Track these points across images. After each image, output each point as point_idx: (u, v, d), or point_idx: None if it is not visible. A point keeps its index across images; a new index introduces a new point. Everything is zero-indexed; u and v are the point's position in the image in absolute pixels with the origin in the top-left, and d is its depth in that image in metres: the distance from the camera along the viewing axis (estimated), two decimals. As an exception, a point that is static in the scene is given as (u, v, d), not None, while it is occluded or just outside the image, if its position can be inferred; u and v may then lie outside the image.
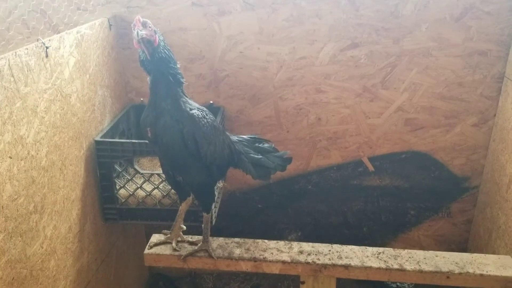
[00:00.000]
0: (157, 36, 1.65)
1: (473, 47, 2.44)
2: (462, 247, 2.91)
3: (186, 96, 1.76)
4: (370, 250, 2.06)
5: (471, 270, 1.91)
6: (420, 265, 1.95)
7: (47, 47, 1.76)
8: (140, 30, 1.59)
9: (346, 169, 2.82)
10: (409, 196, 2.85)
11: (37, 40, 1.74)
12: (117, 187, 2.28)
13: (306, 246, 2.08)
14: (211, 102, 2.63)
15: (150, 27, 1.62)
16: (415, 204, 2.87)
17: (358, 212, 2.93)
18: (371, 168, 2.80)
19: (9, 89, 1.53)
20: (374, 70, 2.54)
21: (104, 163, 2.22)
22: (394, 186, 2.83)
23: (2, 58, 1.50)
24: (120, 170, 2.30)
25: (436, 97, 2.57)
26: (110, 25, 2.39)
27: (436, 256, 2.02)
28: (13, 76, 1.55)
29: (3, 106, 1.50)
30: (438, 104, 2.59)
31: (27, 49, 1.64)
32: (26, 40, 2.35)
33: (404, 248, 2.13)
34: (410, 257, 2.01)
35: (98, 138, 2.20)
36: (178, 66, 1.73)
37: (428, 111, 2.61)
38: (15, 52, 1.58)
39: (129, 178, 2.28)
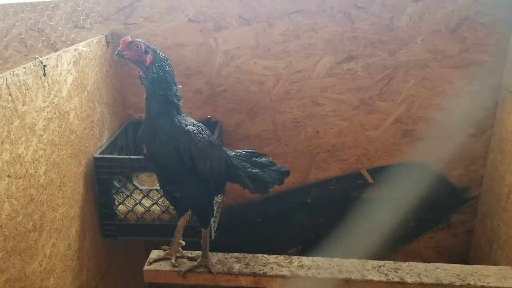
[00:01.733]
0: (149, 56, 1.68)
1: (469, 58, 2.46)
2: (463, 258, 2.90)
3: (182, 114, 1.77)
4: (371, 263, 2.06)
5: (472, 282, 1.90)
6: (421, 278, 1.94)
7: (44, 66, 1.78)
8: (122, 51, 1.65)
9: (345, 181, 2.82)
10: (409, 207, 2.83)
11: (35, 59, 1.75)
12: (116, 203, 2.28)
13: (306, 260, 2.07)
14: (209, 116, 2.64)
15: (137, 48, 1.67)
16: (415, 216, 2.86)
17: (358, 224, 2.91)
18: (370, 180, 2.80)
19: (6, 108, 1.54)
20: (371, 82, 2.55)
21: (103, 179, 2.22)
22: (393, 198, 2.83)
23: (0, 77, 1.51)
24: (119, 186, 2.31)
25: (433, 108, 2.58)
26: (107, 42, 2.41)
27: (437, 268, 2.01)
28: (11, 95, 1.56)
29: (1, 125, 1.51)
30: (435, 115, 2.59)
31: (24, 68, 1.66)
32: (24, 59, 2.36)
33: (405, 260, 2.12)
34: (410, 270, 2.00)
35: (97, 155, 2.21)
36: (177, 87, 1.75)
37: (426, 122, 2.62)
38: (13, 71, 1.59)
39: (128, 194, 2.28)
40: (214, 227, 2.32)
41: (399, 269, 2.00)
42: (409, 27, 2.42)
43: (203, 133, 1.77)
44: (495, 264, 2.44)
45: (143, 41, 1.71)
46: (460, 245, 2.89)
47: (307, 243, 2.99)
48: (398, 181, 2.78)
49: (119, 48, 1.69)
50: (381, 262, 2.05)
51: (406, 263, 2.05)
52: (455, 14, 2.38)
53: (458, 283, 1.90)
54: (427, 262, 2.06)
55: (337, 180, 2.82)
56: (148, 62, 1.69)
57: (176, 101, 1.74)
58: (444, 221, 2.85)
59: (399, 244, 2.95)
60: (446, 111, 2.58)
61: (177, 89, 1.75)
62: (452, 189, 2.75)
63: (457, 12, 2.38)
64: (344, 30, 2.45)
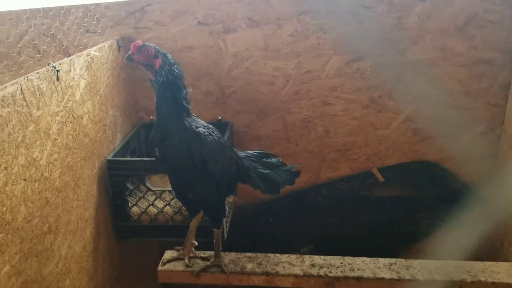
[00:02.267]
0: (158, 60, 1.71)
1: (478, 56, 2.45)
2: (475, 255, 2.88)
3: (192, 116, 1.79)
4: (382, 261, 2.06)
5: (483, 279, 1.90)
6: (432, 275, 1.94)
7: (58, 71, 1.81)
8: (132, 54, 1.70)
9: (356, 180, 2.82)
10: (420, 206, 2.84)
11: (48, 64, 1.79)
12: (130, 204, 2.31)
13: (318, 259, 2.09)
14: (219, 118, 2.67)
15: (148, 52, 1.71)
16: (426, 214, 2.86)
17: (369, 223, 2.92)
18: (381, 179, 2.80)
19: (21, 113, 1.58)
20: (380, 82, 2.56)
21: (116, 181, 2.26)
22: (405, 197, 2.83)
23: (14, 83, 1.55)
24: (132, 188, 2.34)
25: (443, 107, 2.57)
26: (119, 47, 2.45)
27: (448, 265, 2.01)
28: (25, 100, 1.60)
29: (16, 130, 1.55)
30: (445, 113, 2.59)
31: (38, 73, 1.69)
32: (37, 64, 2.41)
33: (417, 258, 2.12)
34: (422, 267, 2.00)
35: (110, 157, 2.24)
36: (186, 90, 1.77)
37: (435, 121, 2.61)
38: (27, 77, 1.63)
39: (141, 195, 2.31)
40: (226, 227, 2.34)
41: (411, 266, 2.01)
42: (418, 26, 2.43)
43: (214, 134, 1.79)
44: (506, 261, 2.43)
45: (153, 45, 1.74)
46: (471, 243, 2.87)
47: (319, 242, 3.00)
48: (408, 180, 2.79)
49: (129, 52, 1.72)
50: (393, 260, 2.05)
51: (418, 260, 2.05)
52: (463, 12, 2.38)
53: (469, 280, 1.90)
54: (439, 260, 2.06)
55: (348, 179, 2.83)
56: (158, 66, 1.72)
57: (186, 104, 1.76)
58: (455, 219, 2.84)
59: (411, 242, 2.95)
60: (456, 109, 2.57)
61: (187, 92, 1.77)
62: (463, 187, 2.75)
63: (465, 10, 2.37)
64: (352, 30, 2.46)
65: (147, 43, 1.74)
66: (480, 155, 2.65)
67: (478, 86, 2.50)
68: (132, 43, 1.72)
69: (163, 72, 1.71)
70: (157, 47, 1.75)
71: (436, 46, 2.45)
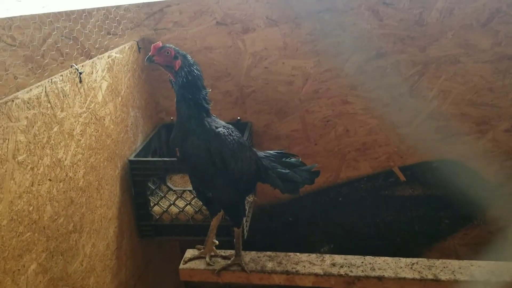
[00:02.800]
0: (178, 61, 1.73)
1: (502, 51, 2.41)
2: (499, 255, 2.84)
3: (212, 116, 1.81)
4: (404, 261, 2.05)
5: (508, 279, 1.87)
6: (455, 275, 1.92)
7: (80, 73, 1.84)
8: (153, 56, 1.73)
9: (376, 179, 2.80)
10: (442, 205, 2.80)
11: (71, 66, 1.82)
12: (151, 204, 2.34)
13: (339, 258, 2.08)
14: (239, 118, 2.68)
15: (167, 53, 1.73)
16: (449, 213, 2.82)
17: (391, 222, 2.90)
18: (402, 178, 2.77)
19: (46, 115, 1.61)
20: (401, 79, 2.53)
21: (138, 181, 2.29)
22: (426, 196, 2.80)
23: (39, 85, 1.59)
24: (153, 188, 2.37)
25: (466, 104, 2.54)
26: (139, 48, 2.48)
27: (472, 265, 1.98)
28: (49, 102, 1.64)
29: (42, 131, 1.58)
30: (468, 110, 2.55)
31: (61, 75, 1.73)
32: (60, 66, 2.46)
33: (439, 258, 2.10)
34: (444, 267, 1.98)
35: (132, 158, 2.28)
36: (206, 91, 1.79)
37: (458, 118, 2.58)
38: (51, 79, 1.66)
39: (162, 195, 2.33)
40: (246, 226, 2.35)
41: (433, 266, 1.99)
42: (439, 22, 2.39)
43: (233, 134, 1.80)
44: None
45: (173, 46, 1.76)
46: (496, 242, 2.83)
47: (339, 241, 2.99)
48: (431, 179, 2.75)
49: (149, 54, 1.75)
50: (415, 260, 2.04)
51: (440, 260, 2.03)
52: (486, 7, 2.34)
53: (493, 280, 1.87)
54: (462, 259, 2.04)
55: (368, 178, 2.81)
56: (177, 67, 1.74)
57: (206, 105, 1.78)
58: (479, 218, 2.80)
59: (433, 242, 2.92)
60: (479, 106, 2.53)
61: (206, 92, 1.79)
62: (487, 185, 2.70)
63: (489, 5, 2.33)
64: (372, 28, 2.44)
65: (167, 45, 1.76)
66: (505, 153, 2.61)
67: (503, 82, 2.46)
68: (152, 45, 1.74)
69: (182, 73, 1.73)
70: (177, 48, 1.77)
71: (458, 42, 2.42)
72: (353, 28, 2.46)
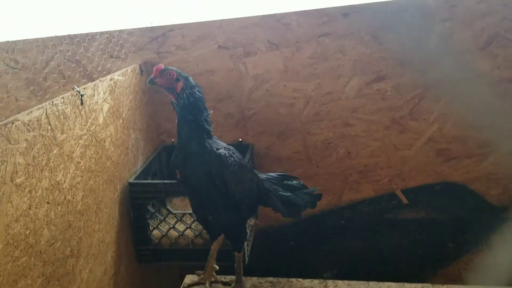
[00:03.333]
0: (180, 84, 1.73)
1: (501, 75, 2.41)
2: (505, 280, 2.79)
3: (213, 137, 1.80)
4: (408, 286, 2.01)
5: (515, 305, 1.83)
6: (460, 301, 1.88)
7: (82, 95, 1.85)
8: (155, 78, 1.74)
9: (379, 202, 2.77)
10: (446, 229, 2.76)
11: (73, 89, 1.83)
12: (151, 228, 2.32)
13: (342, 284, 2.05)
14: (240, 140, 2.67)
15: (169, 75, 1.74)
16: (453, 237, 2.78)
17: (394, 247, 2.86)
18: (405, 201, 2.75)
19: (46, 137, 1.60)
20: (401, 102, 2.54)
21: (138, 204, 2.27)
22: (430, 219, 2.76)
23: (39, 107, 1.59)
24: (153, 211, 2.34)
25: (467, 127, 2.53)
26: (141, 71, 2.49)
27: (477, 291, 1.94)
28: (50, 124, 1.63)
29: (41, 154, 1.57)
30: (469, 133, 2.54)
31: (63, 98, 1.73)
32: (62, 89, 2.47)
33: (444, 283, 2.06)
34: (449, 293, 1.94)
35: (131, 180, 2.26)
36: (207, 112, 1.78)
37: (460, 141, 2.57)
38: (52, 102, 1.66)
39: (161, 218, 2.31)
40: (247, 251, 2.32)
41: (438, 292, 1.95)
42: (438, 46, 2.41)
43: (234, 156, 1.79)
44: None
45: (175, 69, 1.77)
46: (502, 267, 2.78)
47: (343, 266, 2.94)
48: (433, 202, 2.72)
49: (152, 76, 1.75)
50: (419, 285, 2.00)
51: (445, 285, 1.99)
52: (484, 32, 2.35)
53: (500, 307, 1.83)
54: (467, 285, 1.99)
55: (371, 201, 2.78)
56: (179, 89, 1.74)
57: (207, 126, 1.77)
58: (483, 242, 2.76)
59: (438, 267, 2.87)
60: (481, 129, 2.52)
61: (208, 114, 1.78)
62: (491, 209, 2.67)
63: (487, 30, 2.35)
64: (372, 51, 2.46)
65: (169, 67, 1.76)
66: (508, 176, 2.59)
67: (502, 105, 2.46)
68: (155, 67, 1.75)
69: (184, 95, 1.73)
70: (179, 71, 1.77)
71: (458, 66, 2.42)
72: (353, 52, 2.47)
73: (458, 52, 2.40)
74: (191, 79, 1.78)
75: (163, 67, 1.75)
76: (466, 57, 2.40)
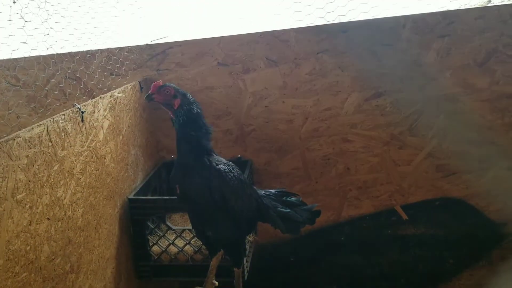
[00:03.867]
0: (177, 100, 1.75)
1: (500, 90, 2.43)
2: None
3: (212, 153, 1.81)
4: (408, 302, 2.00)
5: (516, 322, 1.82)
6: (461, 317, 1.86)
7: (82, 112, 1.86)
8: (152, 94, 1.76)
9: (379, 218, 2.77)
10: (446, 244, 2.76)
11: (73, 106, 1.84)
12: (150, 243, 2.31)
13: (341, 299, 2.03)
14: (239, 156, 2.68)
15: (167, 92, 1.76)
16: (454, 253, 2.77)
17: (395, 262, 2.85)
18: (404, 216, 2.74)
19: (47, 154, 1.61)
20: (400, 118, 2.55)
21: (138, 220, 2.27)
22: (430, 235, 2.76)
23: (40, 124, 1.60)
24: (152, 227, 2.34)
25: (466, 142, 2.54)
26: (141, 88, 2.51)
27: (478, 307, 1.93)
28: (51, 141, 1.64)
29: (42, 170, 1.58)
30: (469, 149, 2.55)
31: (63, 114, 1.74)
32: (63, 106, 2.49)
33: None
34: (450, 309, 1.93)
35: (131, 196, 2.26)
36: (206, 128, 1.79)
37: (459, 156, 2.58)
38: (53, 118, 1.67)
39: (161, 234, 2.30)
40: (247, 266, 2.31)
41: (439, 308, 1.93)
42: (437, 62, 2.43)
43: (234, 171, 1.80)
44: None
45: (173, 85, 1.78)
46: (503, 283, 2.76)
47: (342, 282, 2.92)
48: (433, 217, 2.72)
49: (149, 92, 1.77)
50: (419, 302, 1.99)
51: (446, 302, 1.98)
52: (482, 48, 2.38)
53: (501, 323, 1.82)
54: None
55: (370, 217, 2.78)
56: (177, 105, 1.76)
57: (206, 142, 1.78)
58: (484, 258, 2.75)
59: (438, 283, 2.85)
60: (480, 145, 2.54)
61: (207, 130, 1.79)
62: (491, 225, 2.67)
63: (485, 46, 2.37)
64: (371, 68, 2.48)
65: (168, 83, 1.78)
66: (508, 191, 2.59)
67: (502, 120, 2.47)
68: (153, 83, 1.77)
69: (182, 111, 1.75)
70: (177, 87, 1.79)
71: (456, 81, 2.45)
72: (351, 68, 2.50)
73: (456, 67, 2.43)
74: (189, 95, 1.80)
75: (161, 83, 1.77)
76: (465, 73, 2.43)
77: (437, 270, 2.82)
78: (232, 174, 1.77)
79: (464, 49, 2.40)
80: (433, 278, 2.84)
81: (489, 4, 2.40)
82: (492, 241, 2.70)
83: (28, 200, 1.50)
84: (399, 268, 2.85)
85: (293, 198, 2.08)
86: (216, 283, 2.08)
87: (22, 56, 2.50)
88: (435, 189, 2.66)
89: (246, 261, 2.29)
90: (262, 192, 2.02)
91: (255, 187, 2.00)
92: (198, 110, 1.78)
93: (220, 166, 1.76)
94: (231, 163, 1.84)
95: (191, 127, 1.75)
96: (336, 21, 2.46)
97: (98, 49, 2.58)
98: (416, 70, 2.46)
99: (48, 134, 1.63)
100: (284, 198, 2.06)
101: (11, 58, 2.57)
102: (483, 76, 2.43)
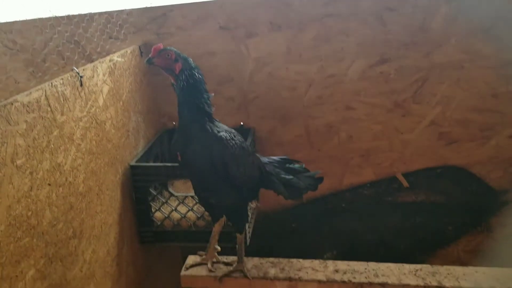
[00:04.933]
0: (178, 65, 1.70)
1: (506, 58, 2.39)
2: (504, 262, 2.80)
3: (214, 120, 1.78)
4: (407, 267, 2.01)
5: (514, 287, 1.84)
6: (459, 282, 1.88)
7: (81, 77, 1.83)
8: (153, 58, 1.70)
9: (380, 186, 2.78)
10: (446, 211, 2.77)
11: (72, 70, 1.81)
12: (153, 210, 2.32)
13: (342, 264, 2.05)
14: (242, 123, 2.66)
15: (168, 56, 1.70)
16: (453, 220, 2.79)
17: (394, 229, 2.87)
18: (405, 184, 2.75)
19: (46, 119, 1.59)
20: (404, 85, 2.52)
21: (140, 187, 2.26)
22: (430, 202, 2.77)
23: (39, 89, 1.57)
24: (155, 194, 2.34)
25: (470, 110, 2.52)
26: (141, 52, 2.46)
27: (476, 272, 1.95)
28: (50, 106, 1.62)
29: (41, 135, 1.56)
30: (472, 116, 2.53)
31: (62, 79, 1.71)
32: (62, 70, 2.45)
33: (443, 264, 2.07)
34: (448, 274, 1.94)
35: (133, 163, 2.25)
36: (208, 95, 1.75)
37: (462, 124, 2.56)
38: (51, 83, 1.64)
39: (164, 201, 2.31)
40: (249, 232, 2.33)
41: (437, 273, 1.95)
42: (443, 28, 2.38)
43: (236, 139, 1.77)
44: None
45: (174, 49, 1.73)
46: (501, 249, 2.79)
47: (343, 248, 2.96)
48: (434, 185, 2.73)
49: (150, 55, 1.72)
50: (418, 266, 2.00)
51: (444, 267, 1.99)
52: (489, 13, 2.32)
53: (498, 287, 1.84)
54: (466, 266, 2.01)
55: (371, 184, 2.78)
56: (178, 70, 1.71)
57: (208, 109, 1.74)
58: (483, 224, 2.77)
59: (437, 248, 2.89)
60: (483, 113, 2.51)
61: (208, 96, 1.75)
62: (491, 192, 2.68)
63: (492, 11, 2.32)
64: (376, 33, 2.43)
65: (168, 47, 1.73)
66: (509, 159, 2.58)
67: (506, 88, 2.44)
68: (153, 47, 1.71)
69: (183, 77, 1.70)
70: (178, 51, 1.74)
71: (462, 48, 2.40)
72: (356, 34, 2.44)
73: (462, 34, 2.37)
74: (190, 60, 1.75)
75: (161, 46, 1.72)
76: (471, 39, 2.38)
77: (436, 237, 2.85)
78: (233, 142, 1.75)
79: (471, 14, 2.34)
80: (432, 244, 2.87)
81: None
82: (492, 208, 2.72)
83: (28, 165, 1.49)
84: (398, 235, 2.88)
85: (296, 165, 2.07)
86: (219, 248, 2.10)
87: (18, 19, 2.45)
88: (436, 157, 2.65)
89: (248, 227, 2.31)
90: (265, 159, 2.01)
91: (258, 155, 1.98)
92: (200, 76, 1.74)
93: (221, 133, 1.74)
94: (233, 131, 1.82)
95: (192, 92, 1.71)
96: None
97: (96, 12, 2.52)
98: (421, 36, 2.41)
99: (47, 98, 1.60)
100: (287, 165, 2.05)
101: (8, 21, 2.51)
102: (489, 42, 2.38)
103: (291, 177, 1.99)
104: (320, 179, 2.06)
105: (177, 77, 1.72)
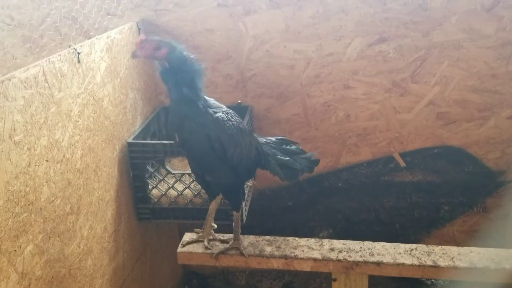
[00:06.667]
0: (162, 51, 1.66)
1: (506, 37, 2.37)
2: (499, 243, 2.83)
3: (208, 100, 1.76)
4: (403, 246, 2.04)
5: (507, 266, 1.86)
6: (454, 262, 1.91)
7: (79, 53, 1.82)
8: (135, 51, 1.67)
9: (376, 165, 2.79)
10: (442, 191, 2.79)
11: (69, 46, 1.79)
12: (150, 187, 2.33)
13: (337, 243, 2.07)
14: (239, 101, 2.65)
15: (149, 46, 1.65)
16: (449, 200, 2.81)
17: (390, 208, 2.89)
18: (402, 163, 2.76)
19: (43, 95, 1.59)
20: (403, 64, 2.51)
21: (137, 164, 2.27)
22: (426, 182, 2.79)
23: (36, 65, 1.56)
24: (152, 171, 2.35)
25: (468, 90, 2.52)
26: (139, 29, 2.44)
27: (471, 252, 1.98)
28: (47, 82, 1.61)
29: (39, 112, 1.56)
30: (470, 97, 2.53)
31: (59, 55, 1.70)
32: (59, 47, 2.43)
33: (438, 244, 2.09)
34: (444, 253, 1.97)
35: (130, 140, 2.26)
36: (198, 73, 1.72)
37: (460, 104, 2.56)
38: (49, 59, 1.64)
39: (161, 178, 2.32)
40: (245, 210, 2.34)
41: (432, 252, 1.98)
42: (443, 7, 2.36)
43: (233, 120, 1.77)
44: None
45: (157, 38, 1.70)
46: (496, 229, 2.83)
47: (338, 227, 2.99)
48: (431, 165, 2.74)
49: (133, 49, 1.70)
50: (414, 246, 2.03)
51: (439, 246, 2.02)
52: (491, -8, 2.30)
53: (493, 267, 1.87)
54: (461, 246, 2.03)
55: (368, 164, 2.80)
56: (162, 55, 1.68)
57: (199, 88, 1.72)
58: (479, 205, 2.80)
59: (432, 228, 2.92)
60: (482, 93, 2.51)
61: (198, 75, 1.72)
62: (488, 173, 2.69)
63: (494, -11, 2.30)
64: (375, 11, 2.41)
65: (150, 38, 1.70)
66: (507, 140, 2.59)
67: (506, 68, 2.43)
68: (137, 40, 1.68)
69: (169, 59, 1.68)
70: (161, 38, 1.70)
71: (462, 27, 2.39)
72: (356, 12, 2.42)
73: (463, 12, 2.35)
74: (174, 42, 1.69)
75: (143, 38, 1.69)
76: (471, 18, 2.36)
77: (431, 216, 2.88)
78: (231, 123, 1.75)
79: (472, -7, 2.32)
80: (427, 224, 2.90)
81: None
82: (489, 189, 2.74)
83: (26, 141, 1.49)
84: (394, 214, 2.91)
85: (293, 147, 2.07)
86: (215, 225, 2.12)
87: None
88: (434, 137, 2.66)
89: (245, 205, 2.33)
90: (262, 139, 2.01)
91: (255, 135, 1.99)
92: (185, 54, 1.69)
93: (218, 114, 1.73)
94: (231, 111, 1.81)
95: (179, 73, 1.68)
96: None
97: (94, -13, 2.48)
98: (421, 15, 2.39)
99: (44, 75, 1.59)
100: (284, 146, 2.05)
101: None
102: (489, 21, 2.36)
103: (287, 158, 1.99)
104: (317, 161, 2.07)
105: (165, 60, 1.69)
